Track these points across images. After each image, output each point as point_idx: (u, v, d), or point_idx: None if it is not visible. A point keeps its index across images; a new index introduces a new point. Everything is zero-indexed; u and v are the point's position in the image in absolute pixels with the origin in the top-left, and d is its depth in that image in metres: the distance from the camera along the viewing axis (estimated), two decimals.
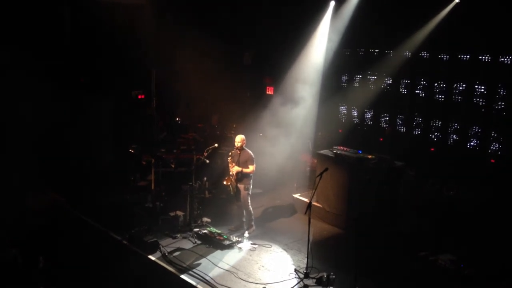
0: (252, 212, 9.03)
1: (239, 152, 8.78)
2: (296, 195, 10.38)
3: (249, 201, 8.92)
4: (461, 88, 10.26)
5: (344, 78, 12.70)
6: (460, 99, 10.29)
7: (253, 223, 9.03)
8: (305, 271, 7.32)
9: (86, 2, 12.14)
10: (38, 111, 11.01)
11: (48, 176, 10.63)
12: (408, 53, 11.09)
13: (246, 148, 8.85)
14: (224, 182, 8.92)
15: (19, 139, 10.77)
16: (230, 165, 8.84)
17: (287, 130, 11.43)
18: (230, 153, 8.93)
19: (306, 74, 12.17)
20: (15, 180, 10.06)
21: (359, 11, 11.37)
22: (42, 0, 11.59)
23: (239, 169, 8.71)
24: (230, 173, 8.83)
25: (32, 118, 10.98)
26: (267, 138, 11.58)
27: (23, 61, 10.63)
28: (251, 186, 8.90)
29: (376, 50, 11.80)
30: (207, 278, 7.21)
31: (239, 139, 8.79)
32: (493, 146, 9.86)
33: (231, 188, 8.89)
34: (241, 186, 8.81)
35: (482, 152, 9.98)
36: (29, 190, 10.03)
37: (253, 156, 8.79)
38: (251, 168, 8.73)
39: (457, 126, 10.43)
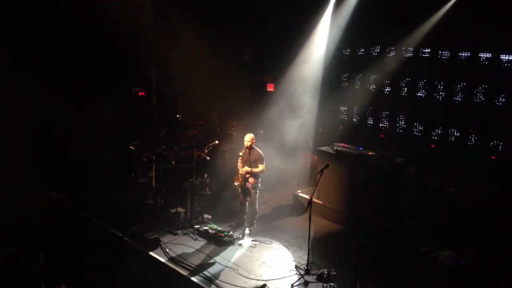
0: (258, 211, 9.02)
1: (248, 151, 8.72)
2: (297, 192, 10.38)
3: (257, 199, 8.91)
4: (461, 86, 10.27)
5: (345, 75, 12.68)
6: (460, 97, 10.31)
7: (255, 221, 9.02)
8: (306, 268, 7.33)
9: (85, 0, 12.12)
10: (37, 110, 10.99)
11: (48, 174, 10.62)
12: (409, 50, 11.07)
13: (256, 147, 8.79)
14: (235, 183, 8.86)
15: (18, 138, 10.76)
16: (239, 165, 8.80)
17: (288, 127, 11.43)
18: (240, 154, 8.84)
19: (307, 70, 12.16)
20: (15, 179, 10.05)
21: (360, 7, 11.34)
22: None
23: (249, 169, 8.66)
24: (240, 173, 8.80)
25: (32, 117, 10.96)
26: (268, 135, 11.59)
27: (21, 60, 10.60)
28: (260, 185, 8.86)
29: (377, 47, 11.78)
30: (208, 274, 7.22)
31: (248, 138, 8.69)
32: (493, 143, 9.85)
33: (239, 188, 8.84)
34: (249, 185, 8.77)
35: (482, 149, 9.97)
36: (29, 188, 10.02)
37: (263, 155, 8.74)
38: (260, 167, 8.68)
39: (457, 123, 10.44)
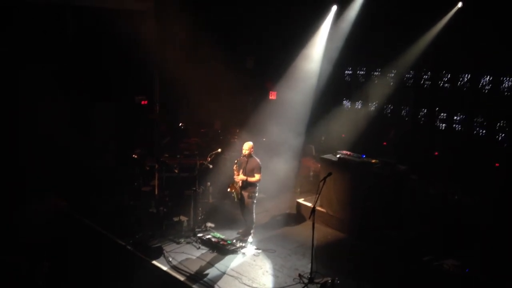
0: (254, 221, 8.79)
1: (246, 159, 8.62)
2: (300, 200, 10.36)
3: (254, 209, 8.71)
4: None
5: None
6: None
7: (252, 231, 8.78)
8: (309, 276, 7.30)
9: (89, 7, 12.18)
10: (41, 116, 11.03)
11: (52, 181, 10.63)
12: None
13: (254, 156, 8.65)
14: (228, 189, 8.79)
15: (21, 144, 10.80)
16: (235, 172, 8.74)
17: (290, 135, 11.44)
18: (236, 161, 8.80)
19: (309, 77, 12.24)
20: (18, 185, 10.07)
21: (361, 18, 11.44)
22: (45, 5, 11.62)
23: (244, 178, 8.54)
24: (235, 180, 8.73)
25: (35, 123, 11.00)
26: (270, 143, 11.59)
27: (25, 66, 10.66)
28: (257, 194, 8.68)
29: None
30: (211, 283, 7.20)
31: (247, 146, 8.60)
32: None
33: (235, 195, 8.74)
34: (245, 194, 8.63)
35: (486, 156, 9.97)
36: (32, 195, 10.03)
37: (261, 165, 8.60)
38: (257, 177, 8.53)
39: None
